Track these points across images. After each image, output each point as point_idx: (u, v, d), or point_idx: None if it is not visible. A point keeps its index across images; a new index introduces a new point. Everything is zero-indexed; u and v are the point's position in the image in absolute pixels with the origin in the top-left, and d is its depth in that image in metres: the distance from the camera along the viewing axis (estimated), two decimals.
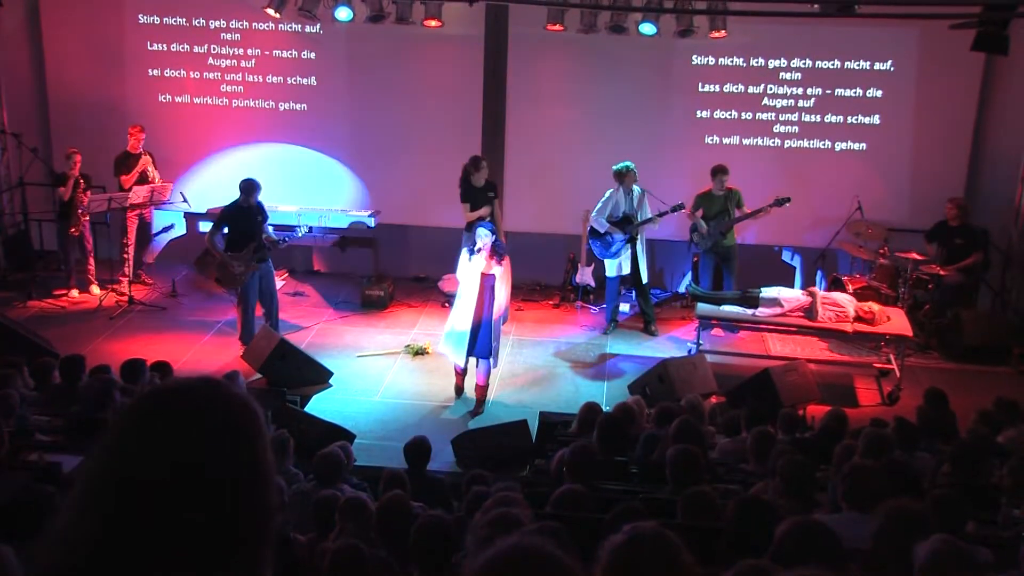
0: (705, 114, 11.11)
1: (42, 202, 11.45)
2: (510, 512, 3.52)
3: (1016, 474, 4.92)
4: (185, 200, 10.72)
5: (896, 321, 8.88)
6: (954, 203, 10.04)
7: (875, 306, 8.92)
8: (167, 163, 11.17)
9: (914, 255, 9.70)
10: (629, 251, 9.94)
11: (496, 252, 8.11)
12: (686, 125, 11.13)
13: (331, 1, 10.33)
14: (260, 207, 9.36)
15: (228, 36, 11.49)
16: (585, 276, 10.90)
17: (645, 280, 10.14)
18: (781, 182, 10.46)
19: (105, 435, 1.31)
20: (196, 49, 11.54)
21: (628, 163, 9.84)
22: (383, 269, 11.40)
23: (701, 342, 9.23)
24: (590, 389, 8.87)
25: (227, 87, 11.61)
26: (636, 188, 9.88)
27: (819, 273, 10.93)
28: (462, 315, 8.26)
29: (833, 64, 10.84)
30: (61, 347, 8.53)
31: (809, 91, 10.94)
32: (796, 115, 11.01)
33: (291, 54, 11.51)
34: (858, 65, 10.79)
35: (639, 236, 9.94)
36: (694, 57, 10.99)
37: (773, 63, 10.92)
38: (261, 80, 11.57)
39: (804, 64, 10.88)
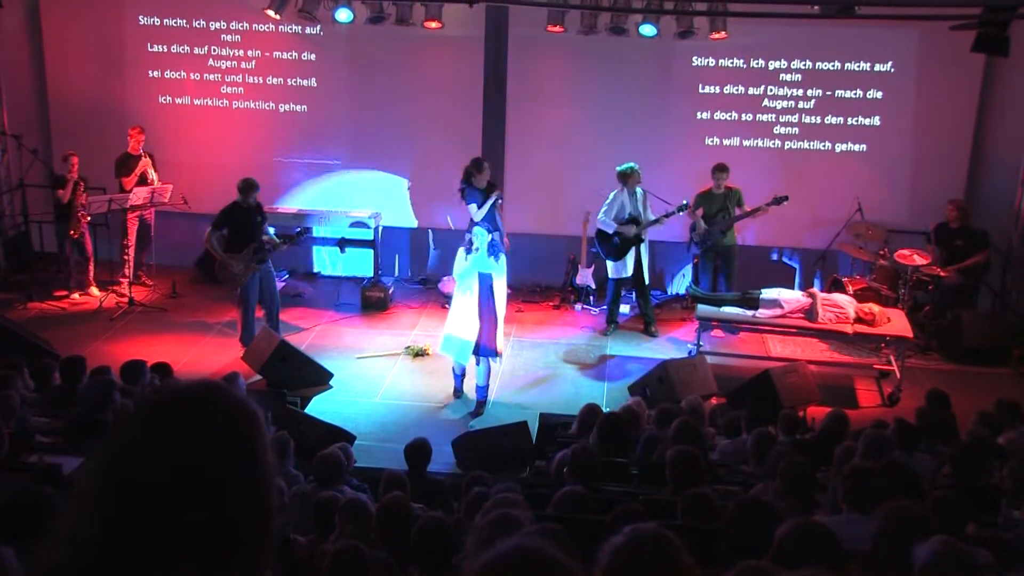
0: (705, 115, 11.12)
1: (42, 204, 11.45)
2: (510, 513, 3.52)
3: (1016, 475, 4.92)
4: (185, 202, 10.71)
5: (896, 322, 8.88)
6: (955, 205, 10.04)
7: (875, 307, 8.92)
8: (167, 164, 11.17)
9: (914, 257, 9.69)
10: (633, 252, 9.94)
11: (492, 251, 8.11)
12: (686, 126, 11.13)
13: (331, 3, 10.33)
14: (259, 208, 9.36)
15: (228, 38, 11.49)
16: (585, 277, 10.90)
17: (647, 282, 10.16)
18: (781, 183, 10.46)
19: (106, 437, 1.32)
20: (196, 50, 11.54)
21: (632, 164, 9.84)
22: (383, 270, 11.40)
23: (701, 343, 9.23)
24: (590, 390, 8.87)
25: (227, 88, 11.61)
26: (639, 189, 9.88)
27: (818, 274, 10.92)
28: (460, 315, 8.26)
29: (833, 65, 10.85)
30: (61, 348, 8.53)
31: (809, 92, 10.94)
32: (796, 116, 11.01)
33: (291, 55, 11.51)
34: (858, 66, 10.80)
35: (644, 237, 9.94)
36: (694, 58, 10.99)
37: (773, 64, 10.92)
38: (261, 81, 11.58)
39: (804, 65, 10.89)
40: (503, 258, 8.40)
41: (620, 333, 10.24)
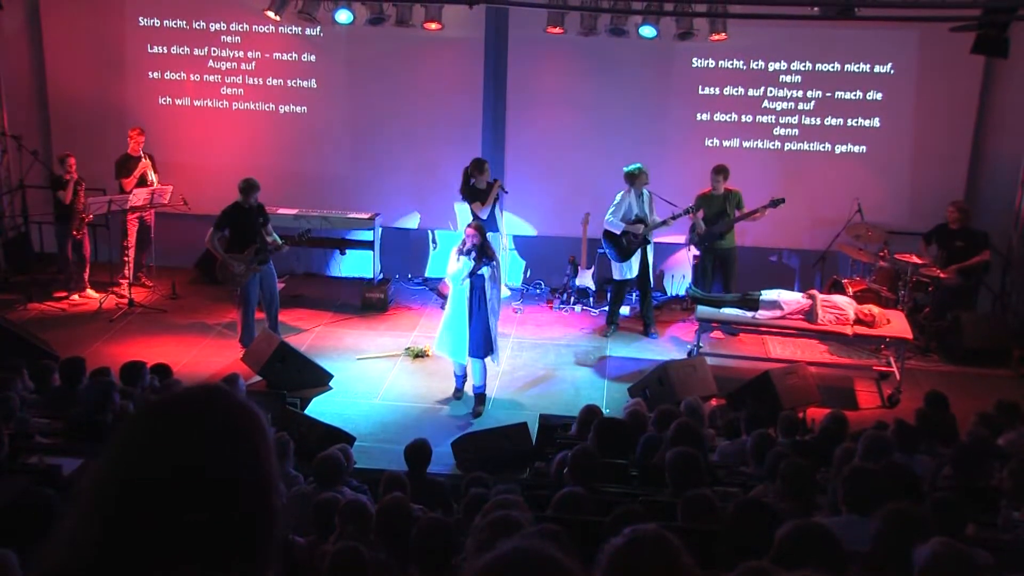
0: (705, 117, 11.12)
1: (42, 205, 11.45)
2: (510, 515, 3.52)
3: (1016, 476, 4.92)
4: (185, 203, 10.72)
5: (896, 324, 8.88)
6: (955, 206, 10.04)
7: (875, 309, 8.92)
8: (167, 165, 11.18)
9: (914, 258, 9.70)
10: (639, 254, 9.94)
11: (485, 252, 8.12)
12: (686, 128, 11.14)
13: (331, 4, 10.34)
14: (261, 209, 9.36)
15: (228, 39, 11.50)
16: (585, 278, 10.90)
17: (651, 284, 10.16)
18: (781, 185, 10.47)
19: (109, 440, 1.32)
20: (196, 52, 11.55)
21: (639, 164, 9.82)
22: (383, 271, 11.40)
23: (701, 344, 9.23)
24: (590, 392, 8.87)
25: (227, 90, 11.62)
26: (645, 191, 9.87)
27: (818, 276, 10.92)
28: (454, 316, 8.28)
29: (833, 67, 10.85)
30: (61, 349, 8.53)
31: (809, 94, 10.95)
32: (796, 118, 11.02)
33: (291, 57, 11.52)
34: (858, 68, 10.81)
35: (650, 239, 9.94)
36: (694, 60, 11.00)
37: (773, 66, 10.93)
38: (261, 83, 11.58)
39: (804, 67, 10.89)
40: (500, 259, 8.39)
41: (620, 334, 10.25)
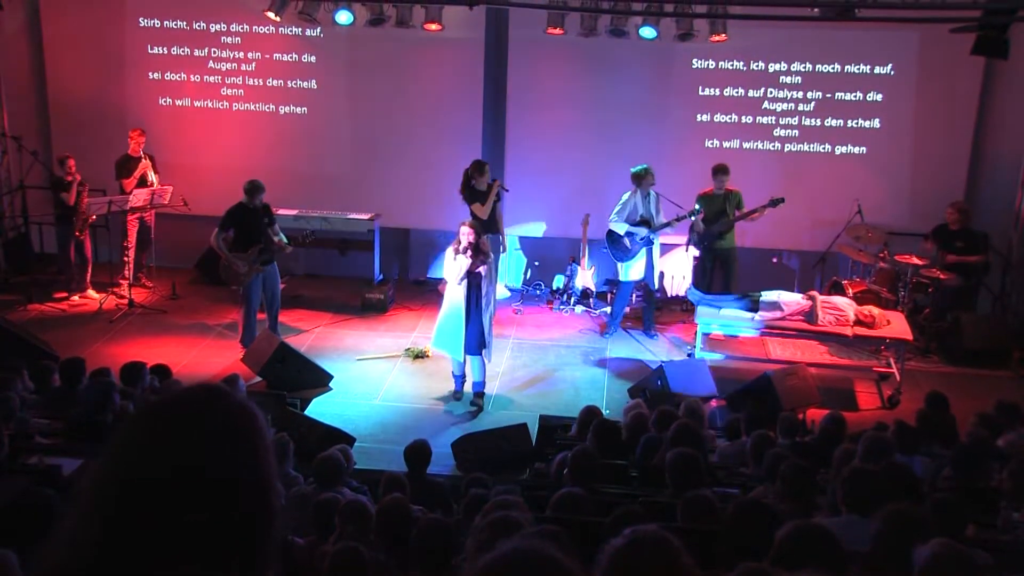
0: (705, 118, 11.13)
1: (42, 205, 11.45)
2: (510, 515, 3.52)
3: (1016, 477, 4.92)
4: (185, 204, 10.72)
5: (896, 325, 8.88)
6: (955, 207, 10.05)
7: (875, 310, 8.92)
8: (167, 166, 11.19)
9: (914, 259, 9.70)
10: (645, 255, 9.94)
11: (480, 250, 8.13)
12: (686, 129, 11.14)
13: (331, 5, 10.34)
14: (267, 209, 9.38)
15: (229, 39, 11.50)
16: (586, 279, 10.90)
17: (655, 285, 10.15)
18: (781, 185, 10.46)
19: (108, 440, 1.32)
20: (197, 52, 11.55)
21: (646, 165, 9.82)
22: (383, 272, 11.40)
23: (701, 345, 9.22)
24: (590, 392, 8.87)
25: (227, 90, 11.62)
26: (651, 191, 9.86)
27: (818, 277, 10.92)
28: (451, 314, 8.30)
29: (833, 68, 10.86)
30: (61, 350, 8.53)
31: (809, 95, 10.95)
32: (796, 119, 11.02)
33: (291, 57, 11.52)
34: (858, 69, 10.81)
35: (654, 240, 9.94)
36: (694, 61, 11.00)
37: (773, 67, 10.94)
38: (261, 83, 11.59)
39: (804, 68, 10.90)
40: (493, 258, 8.43)
41: (620, 335, 10.25)
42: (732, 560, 3.09)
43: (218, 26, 11.47)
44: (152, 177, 10.86)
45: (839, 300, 9.09)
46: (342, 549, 3.93)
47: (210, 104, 11.67)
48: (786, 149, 11.10)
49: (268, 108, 11.65)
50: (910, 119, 10.85)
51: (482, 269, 8.17)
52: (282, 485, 4.87)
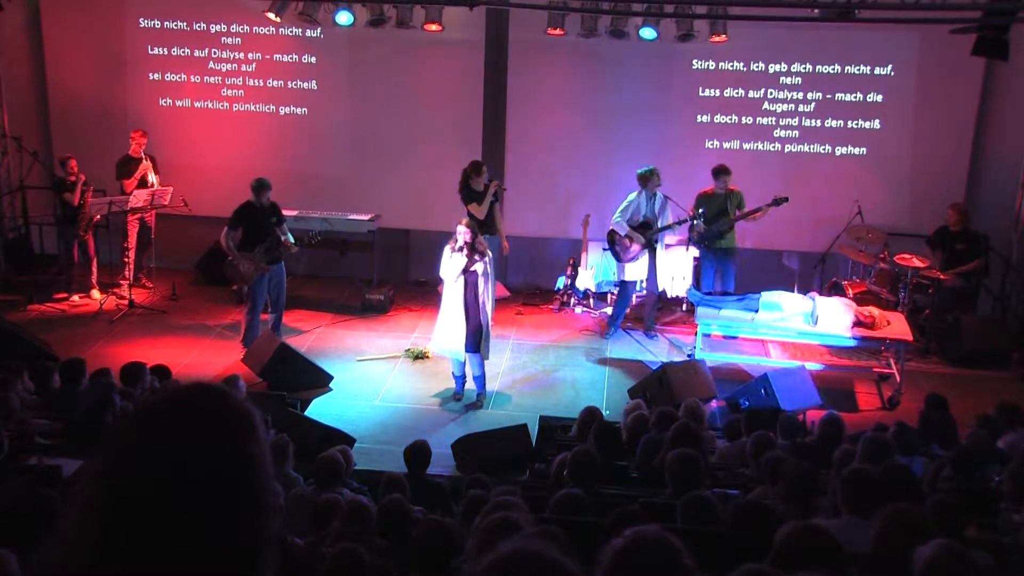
0: (705, 118, 11.13)
1: (42, 206, 11.46)
2: (510, 516, 3.52)
3: (1016, 479, 4.92)
4: (185, 204, 10.73)
5: (896, 326, 8.88)
6: (955, 208, 10.05)
7: (875, 311, 8.91)
8: (167, 167, 11.19)
9: (914, 260, 9.69)
10: (648, 256, 9.93)
11: (476, 249, 8.15)
12: (686, 129, 11.15)
13: (332, 5, 10.34)
14: (275, 208, 9.39)
15: (229, 40, 11.51)
16: (586, 280, 10.90)
17: (663, 287, 10.14)
18: (781, 186, 10.45)
19: (103, 444, 1.32)
20: (197, 53, 11.56)
21: (651, 166, 9.81)
22: (383, 273, 11.40)
23: (701, 346, 9.22)
24: (590, 393, 8.87)
25: (228, 91, 11.62)
26: (659, 193, 9.85)
27: (818, 277, 10.92)
28: (449, 312, 8.31)
29: (833, 68, 10.86)
30: (61, 350, 8.54)
31: (809, 95, 10.95)
32: (796, 119, 11.02)
33: (292, 58, 11.52)
34: (858, 69, 10.81)
35: (659, 243, 9.92)
36: (694, 61, 11.00)
37: (773, 67, 10.94)
38: (262, 84, 11.59)
39: (804, 68, 10.90)
40: (490, 256, 8.44)
41: (620, 336, 10.25)
42: (732, 561, 3.09)
43: (218, 27, 11.47)
44: (153, 178, 10.86)
45: (839, 301, 9.09)
46: (342, 550, 3.93)
47: (210, 105, 11.67)
48: (786, 150, 11.10)
49: (268, 109, 11.65)
50: (910, 120, 10.85)
51: (478, 267, 8.19)
52: (282, 486, 4.88)
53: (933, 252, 10.07)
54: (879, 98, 10.83)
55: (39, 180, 11.42)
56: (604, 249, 10.35)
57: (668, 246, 10.24)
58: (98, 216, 10.47)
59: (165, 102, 11.68)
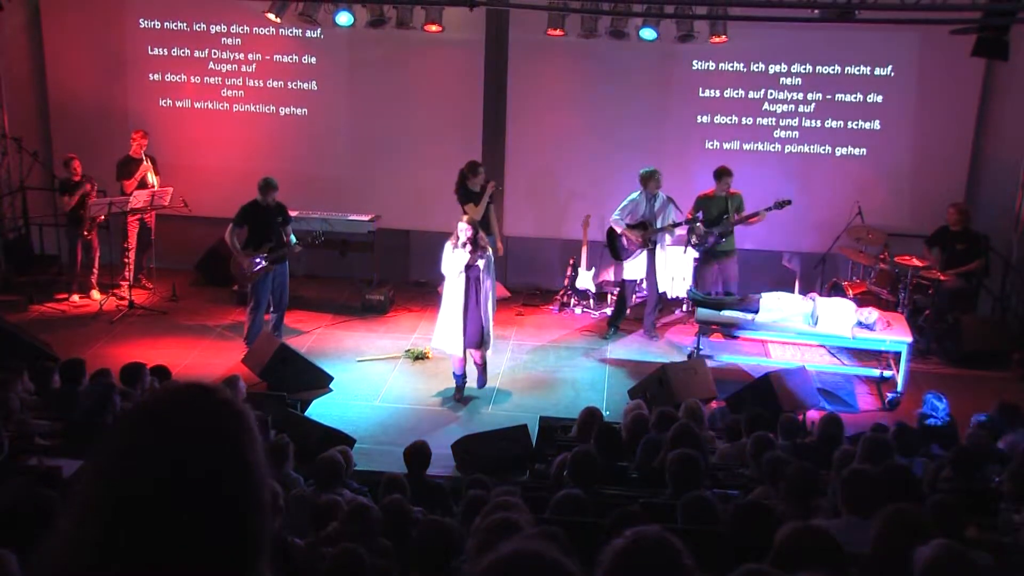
0: (705, 119, 11.13)
1: (43, 206, 11.46)
2: (510, 517, 3.52)
3: (1016, 479, 4.92)
4: (185, 205, 10.73)
5: (896, 326, 8.88)
6: (955, 208, 10.05)
7: (875, 311, 8.92)
8: (167, 167, 11.19)
9: (914, 261, 9.70)
10: (647, 256, 9.92)
11: (478, 245, 8.21)
12: (686, 130, 11.15)
13: (332, 6, 10.34)
14: (281, 208, 9.41)
15: (229, 41, 11.51)
16: (586, 281, 10.90)
17: (664, 289, 10.12)
18: (781, 187, 10.47)
19: (99, 445, 1.33)
20: (197, 54, 11.56)
21: (652, 167, 9.82)
22: (383, 274, 11.40)
23: (701, 347, 9.22)
24: (590, 394, 8.86)
25: (228, 92, 11.62)
26: (661, 194, 9.85)
27: (818, 278, 10.92)
28: (451, 308, 8.35)
29: (833, 69, 10.87)
30: (61, 351, 8.54)
31: (809, 96, 10.96)
32: (796, 120, 11.02)
33: (292, 59, 11.53)
34: (858, 70, 10.82)
35: (657, 243, 9.90)
36: (694, 62, 11.01)
37: (773, 68, 10.94)
38: (262, 84, 11.59)
39: (804, 69, 10.90)
40: (490, 252, 8.50)
41: (620, 336, 10.25)
42: (732, 562, 3.09)
43: (218, 27, 11.48)
44: (153, 179, 10.86)
45: (839, 301, 9.09)
46: (342, 551, 3.93)
47: (210, 105, 11.67)
48: (786, 150, 11.10)
49: (268, 109, 11.65)
50: (910, 120, 10.85)
51: (480, 263, 8.23)
52: (282, 486, 4.88)
53: (931, 252, 10.06)
54: (879, 99, 10.83)
55: (39, 181, 11.42)
56: (604, 247, 10.34)
57: (667, 246, 10.22)
58: (101, 217, 10.47)
59: (165, 103, 11.68)
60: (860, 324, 8.75)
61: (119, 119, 11.47)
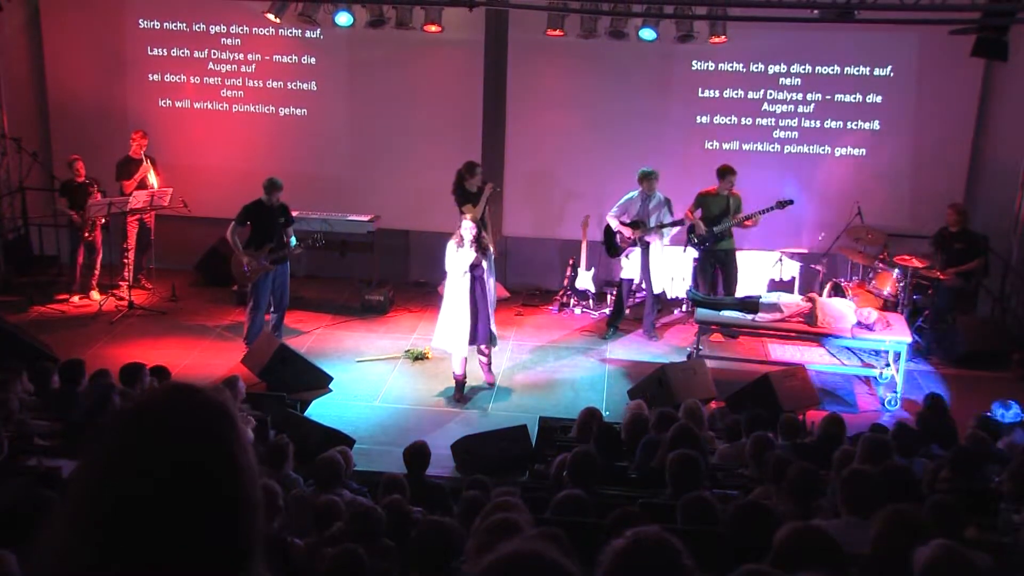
0: (705, 119, 11.13)
1: (42, 207, 11.46)
2: (509, 517, 3.52)
3: (1016, 479, 4.92)
4: (185, 205, 10.73)
5: (896, 326, 8.88)
6: (954, 208, 10.05)
7: (875, 311, 8.92)
8: (167, 168, 11.19)
9: (914, 261, 9.70)
10: (640, 255, 9.93)
11: (481, 244, 8.30)
12: (686, 130, 11.15)
13: (331, 6, 10.34)
14: (284, 209, 9.42)
15: (228, 41, 11.51)
16: (585, 281, 10.90)
17: (659, 290, 10.10)
18: (781, 187, 10.48)
19: (88, 449, 1.33)
20: (196, 54, 11.56)
21: (647, 168, 9.82)
22: (383, 274, 11.40)
23: (701, 347, 9.22)
24: (589, 394, 8.87)
25: (227, 92, 11.62)
26: (658, 195, 9.85)
27: (818, 278, 10.93)
28: (454, 308, 8.36)
29: (833, 70, 10.87)
30: (61, 351, 8.53)
31: (809, 96, 10.96)
32: (796, 120, 11.03)
33: (291, 59, 11.53)
34: (858, 71, 10.82)
35: (650, 243, 9.89)
36: (694, 62, 11.01)
37: (773, 68, 10.94)
38: (261, 85, 11.59)
39: (804, 70, 10.91)
40: (492, 252, 8.58)
41: (619, 337, 10.25)
42: (732, 562, 3.09)
43: (218, 28, 11.48)
44: (153, 180, 10.86)
45: (839, 301, 9.09)
46: (342, 551, 3.93)
47: (210, 106, 11.67)
48: (786, 151, 11.10)
49: (268, 110, 11.65)
50: (910, 121, 10.86)
51: (484, 263, 8.35)
52: (281, 487, 4.88)
53: (936, 253, 10.06)
54: (879, 99, 10.84)
55: (39, 181, 11.41)
56: (602, 243, 10.34)
57: (663, 246, 10.22)
58: (101, 220, 10.47)
59: (165, 103, 11.68)
60: (860, 324, 8.75)
61: (119, 119, 11.47)
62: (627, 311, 10.46)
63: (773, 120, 11.05)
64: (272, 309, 9.58)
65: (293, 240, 9.55)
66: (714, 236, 9.97)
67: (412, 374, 9.24)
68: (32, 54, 11.74)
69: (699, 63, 11.01)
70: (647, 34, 10.10)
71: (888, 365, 9.12)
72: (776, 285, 10.75)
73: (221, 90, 11.62)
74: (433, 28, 10.43)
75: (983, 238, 10.11)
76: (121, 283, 10.76)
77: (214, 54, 11.55)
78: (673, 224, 9.86)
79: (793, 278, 10.95)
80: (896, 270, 9.78)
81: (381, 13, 10.34)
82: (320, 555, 4.16)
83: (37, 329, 9.53)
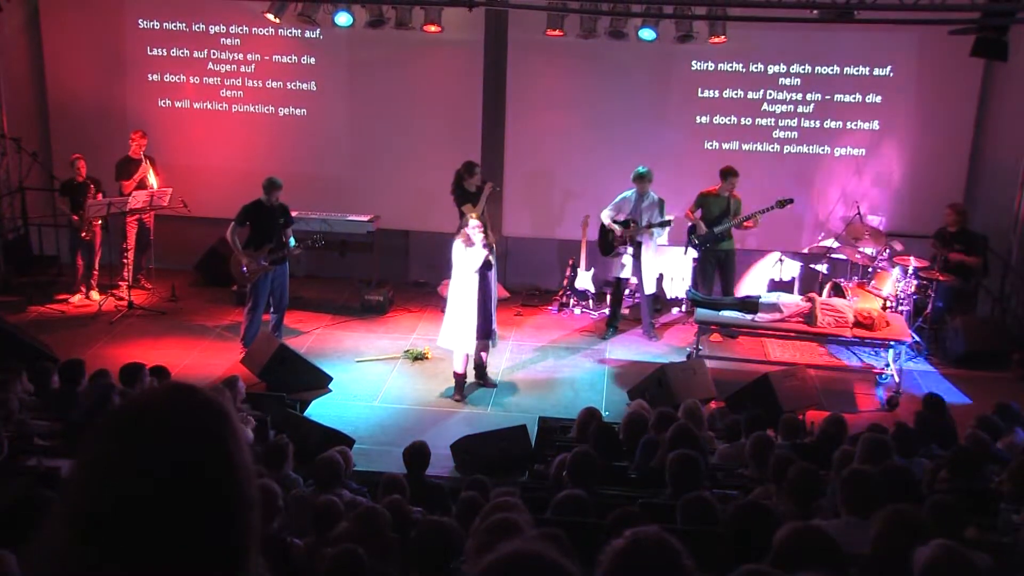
0: (705, 119, 11.13)
1: (42, 207, 11.46)
2: (509, 517, 3.52)
3: (1016, 479, 4.93)
4: (184, 205, 10.73)
5: (895, 326, 8.89)
6: (954, 208, 10.05)
7: (874, 311, 8.92)
8: (166, 168, 11.19)
9: (914, 261, 9.70)
10: (633, 255, 9.93)
11: (487, 244, 8.43)
12: (685, 130, 11.15)
13: (331, 6, 10.34)
14: (284, 209, 9.42)
15: (228, 41, 11.51)
16: (585, 281, 10.90)
17: (651, 290, 10.09)
18: (781, 187, 10.47)
19: (83, 449, 1.33)
20: (196, 54, 11.55)
21: (641, 168, 9.82)
22: (383, 274, 11.40)
23: (700, 347, 9.22)
24: (589, 394, 8.87)
25: (227, 92, 11.62)
26: (652, 195, 9.85)
27: (817, 278, 10.93)
28: (462, 307, 8.42)
29: (832, 70, 10.87)
30: (60, 351, 8.53)
31: (808, 96, 10.96)
32: (795, 120, 11.03)
33: (291, 59, 11.52)
34: (857, 71, 10.82)
35: (642, 243, 9.88)
36: (694, 62, 11.01)
37: (772, 69, 10.94)
38: (261, 85, 11.59)
39: (803, 70, 10.91)
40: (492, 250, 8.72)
41: (619, 337, 10.25)
42: (732, 562, 3.09)
43: (217, 28, 11.47)
44: (152, 180, 10.86)
45: (838, 302, 9.10)
46: (342, 551, 3.93)
47: (210, 106, 11.67)
48: (786, 151, 11.10)
49: (268, 110, 11.65)
50: (909, 121, 10.86)
51: (491, 259, 8.48)
52: (281, 487, 4.88)
53: (935, 253, 10.06)
54: (878, 99, 10.84)
55: (38, 181, 11.41)
56: (589, 253, 10.37)
57: (657, 247, 10.20)
58: (98, 221, 10.46)
59: (164, 103, 11.68)
60: (859, 324, 8.75)
61: (118, 119, 11.47)
62: (626, 311, 10.46)
63: (773, 120, 11.05)
64: (271, 309, 9.57)
65: (292, 241, 9.56)
66: (715, 236, 9.97)
67: (412, 374, 9.24)
68: (32, 54, 11.73)
69: (699, 63, 11.01)
70: (647, 34, 10.10)
71: (888, 365, 9.13)
72: (776, 285, 10.77)
73: (221, 90, 11.62)
74: (433, 28, 10.43)
75: (983, 238, 10.10)
76: (120, 283, 10.76)
77: (214, 54, 11.55)
78: (662, 224, 9.84)
79: (793, 278, 10.96)
80: (896, 270, 9.79)
81: (381, 13, 10.34)
82: (320, 555, 4.15)
83: (37, 329, 9.53)
